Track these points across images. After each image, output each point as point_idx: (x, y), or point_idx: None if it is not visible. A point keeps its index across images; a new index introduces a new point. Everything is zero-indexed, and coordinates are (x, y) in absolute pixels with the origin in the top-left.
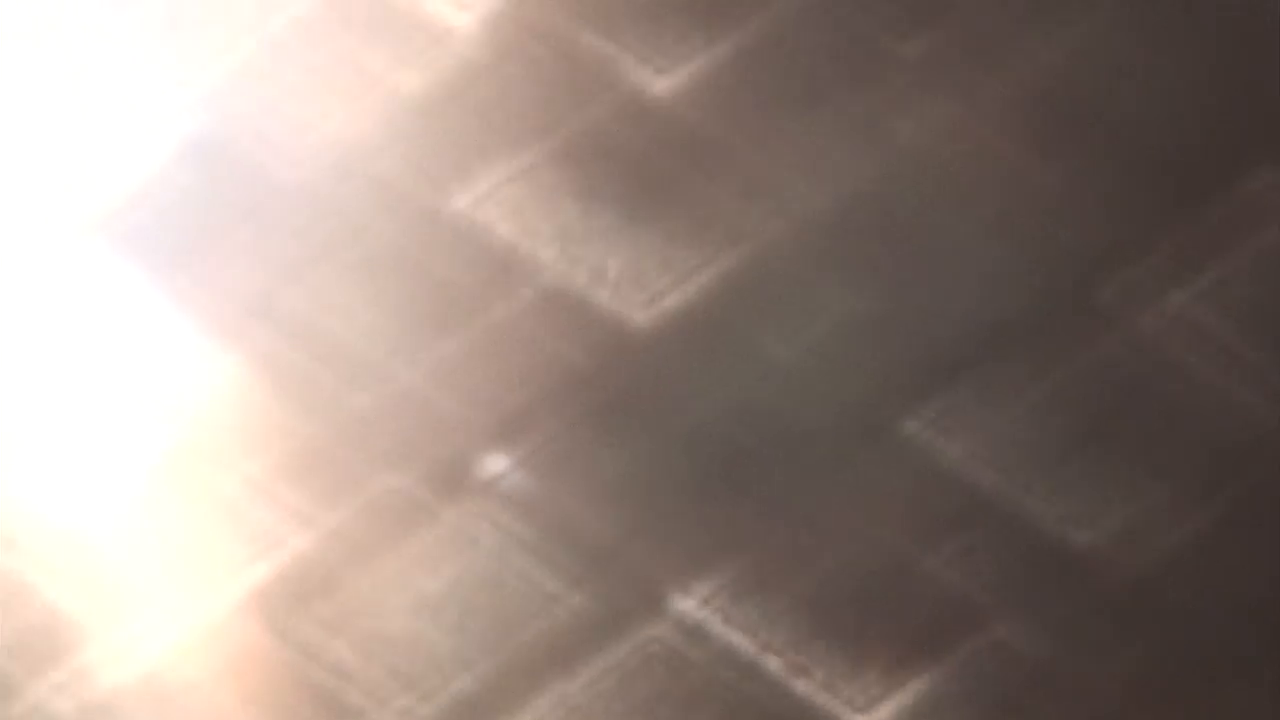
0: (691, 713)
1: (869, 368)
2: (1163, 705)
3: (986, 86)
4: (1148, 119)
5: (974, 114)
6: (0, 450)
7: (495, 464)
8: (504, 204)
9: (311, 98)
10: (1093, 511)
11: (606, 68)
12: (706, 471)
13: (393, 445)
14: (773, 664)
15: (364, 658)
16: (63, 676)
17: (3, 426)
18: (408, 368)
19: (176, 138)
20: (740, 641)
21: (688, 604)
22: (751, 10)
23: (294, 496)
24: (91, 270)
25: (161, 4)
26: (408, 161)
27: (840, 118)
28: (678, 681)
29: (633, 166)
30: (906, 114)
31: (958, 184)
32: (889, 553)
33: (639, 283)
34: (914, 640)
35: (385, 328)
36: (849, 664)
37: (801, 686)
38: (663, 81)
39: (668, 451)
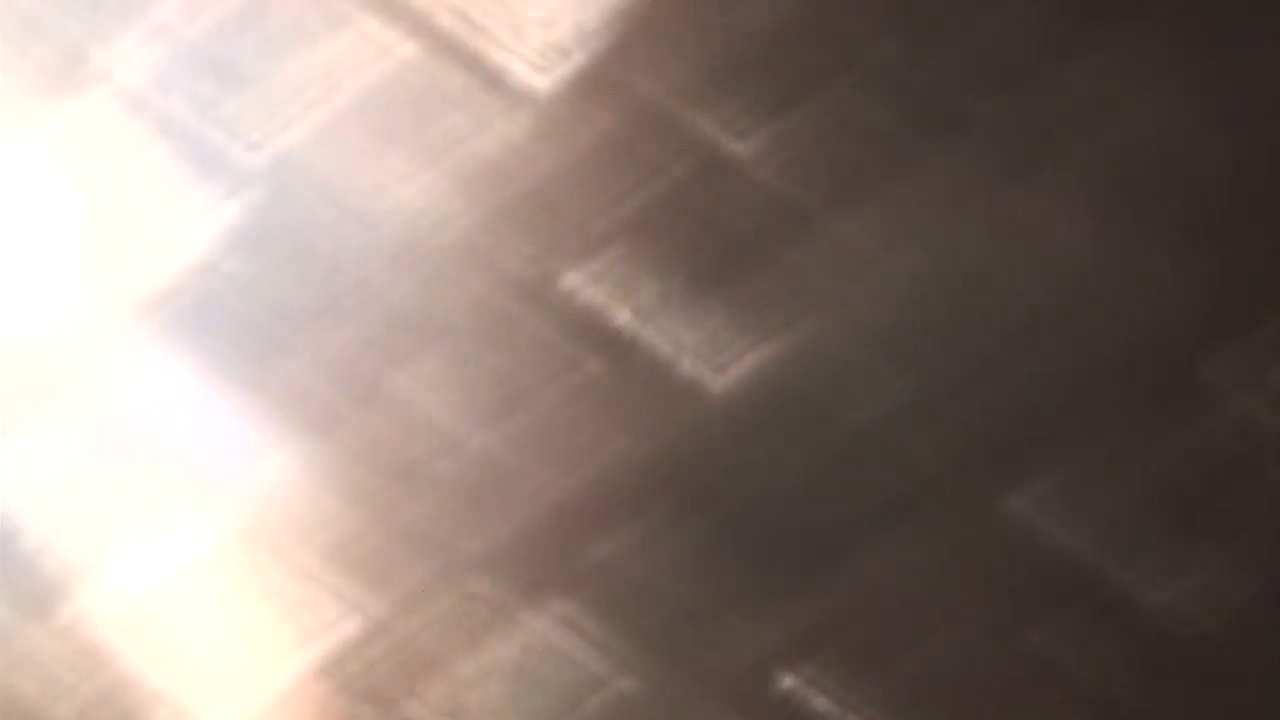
0: None
1: (957, 440)
2: None
3: (1080, 154)
4: (1253, 195)
5: (1068, 182)
6: (69, 527)
7: (582, 546)
8: (581, 269)
9: (386, 164)
10: (1196, 589)
11: (685, 131)
12: (788, 542)
13: (468, 518)
14: None
15: None
16: None
17: (69, 507)
18: (480, 439)
19: (245, 207)
20: None
21: (785, 684)
22: (832, 72)
23: (349, 580)
24: (153, 349)
25: (230, 68)
26: (483, 228)
27: (922, 183)
28: None
29: (711, 230)
30: (993, 180)
31: (1051, 254)
32: (988, 629)
33: (716, 348)
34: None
35: (458, 400)
36: None
37: None
38: (742, 144)
39: (747, 521)
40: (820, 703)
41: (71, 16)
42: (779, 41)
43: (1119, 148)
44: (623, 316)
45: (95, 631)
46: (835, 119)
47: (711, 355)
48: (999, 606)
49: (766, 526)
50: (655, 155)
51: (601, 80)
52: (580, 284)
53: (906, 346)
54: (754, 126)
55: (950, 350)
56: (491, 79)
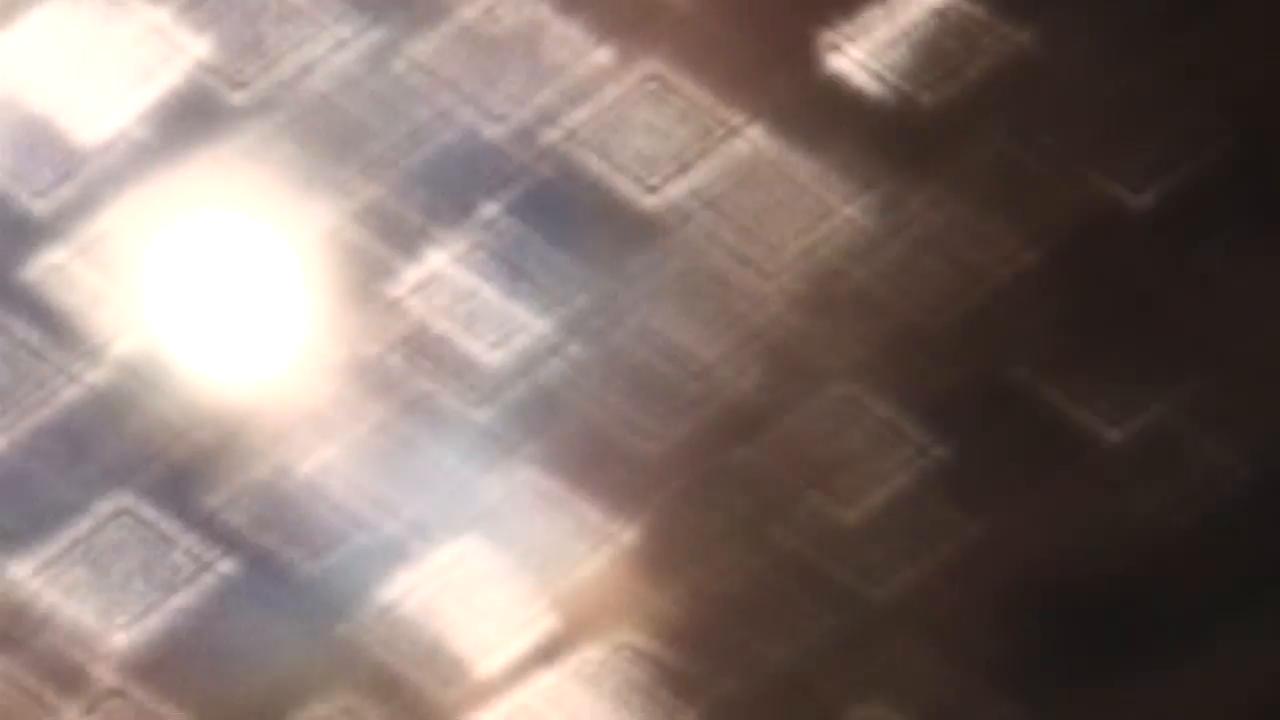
0: None
1: None
2: None
3: None
4: None
5: None
6: (416, 616)
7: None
8: (977, 319)
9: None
10: None
11: (1081, 183)
12: (1153, 612)
13: (814, 604)
14: None
15: None
16: None
17: (410, 600)
18: (828, 518)
19: (557, 315)
20: None
21: None
22: (1226, 124)
23: (690, 663)
24: (474, 446)
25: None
26: (877, 278)
27: None
28: None
29: (1109, 282)
30: None
31: None
32: None
33: (1111, 398)
34: None
35: (805, 473)
36: None
37: None
38: (1138, 198)
39: (1116, 586)
40: None
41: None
42: (1174, 95)
43: None
44: (1020, 372)
45: None
46: (1233, 170)
47: (1106, 405)
48: None
49: (1136, 592)
50: (1051, 208)
51: (997, 134)
52: (975, 330)
53: None
54: (1149, 181)
55: None
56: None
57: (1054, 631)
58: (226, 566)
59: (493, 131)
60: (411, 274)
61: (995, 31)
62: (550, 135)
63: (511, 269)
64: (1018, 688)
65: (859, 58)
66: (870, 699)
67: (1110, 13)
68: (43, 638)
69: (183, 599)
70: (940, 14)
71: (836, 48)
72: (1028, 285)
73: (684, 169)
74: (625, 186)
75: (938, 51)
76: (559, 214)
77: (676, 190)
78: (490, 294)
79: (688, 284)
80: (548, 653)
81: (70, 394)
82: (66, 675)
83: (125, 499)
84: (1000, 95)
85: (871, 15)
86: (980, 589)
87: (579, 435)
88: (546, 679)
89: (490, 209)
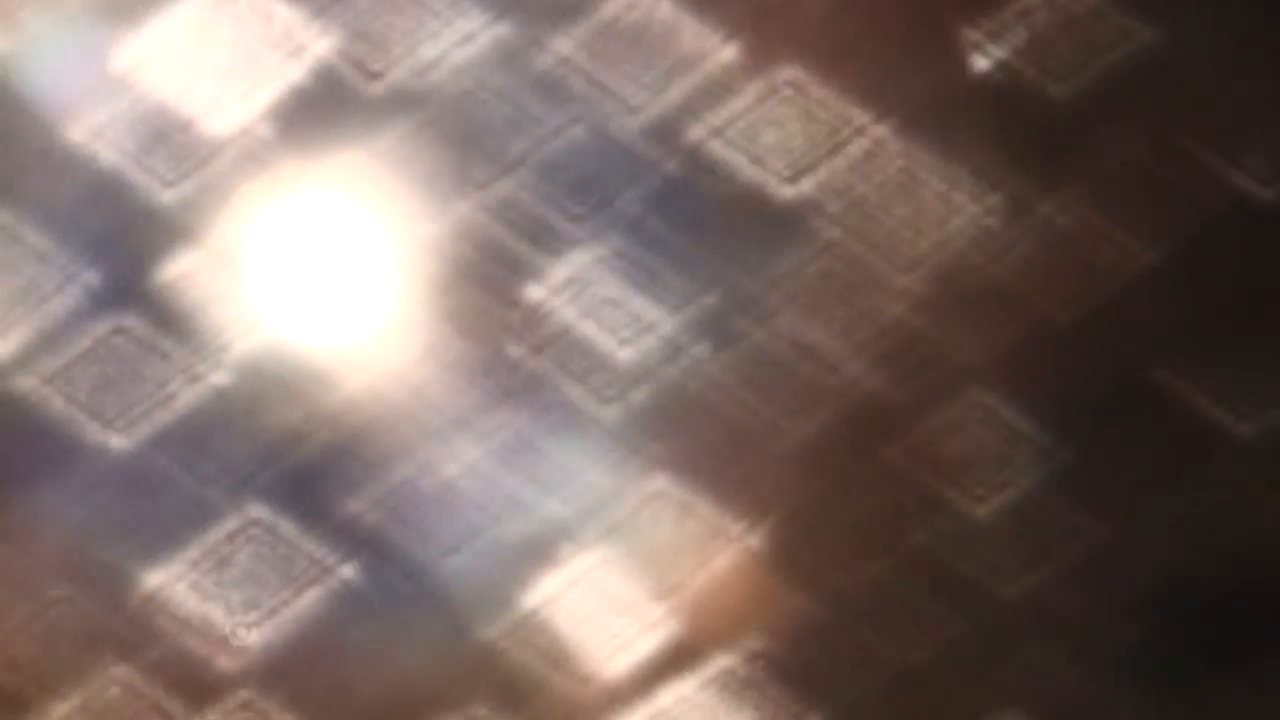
0: None
1: None
2: None
3: None
4: None
5: None
6: (544, 620)
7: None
8: (1106, 316)
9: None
10: None
11: (1209, 177)
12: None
13: (931, 607)
14: None
15: None
16: None
17: (539, 604)
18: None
19: (687, 313)
20: None
21: None
22: None
23: (808, 668)
24: (604, 447)
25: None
26: (1011, 272)
27: None
28: None
29: (1239, 274)
30: None
31: None
32: None
33: (1243, 394)
34: None
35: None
36: None
37: None
38: (1267, 192)
39: (1260, 561)
40: None
41: None
42: None
43: None
44: (1148, 370)
45: None
46: None
47: (1239, 400)
48: None
49: (1268, 590)
50: (1178, 203)
51: (1125, 130)
52: (1103, 331)
53: None
54: (1278, 174)
55: None
56: None
57: (1186, 631)
58: (352, 570)
59: (627, 127)
60: (547, 272)
61: (1123, 29)
62: (685, 131)
63: (645, 266)
64: (1148, 688)
65: (996, 56)
66: (1002, 701)
67: (1238, 7)
68: (168, 645)
69: (308, 603)
70: (1069, 12)
71: (975, 46)
72: (1156, 282)
73: (814, 165)
74: (758, 183)
75: (1067, 49)
76: (692, 210)
77: (808, 186)
78: (623, 291)
79: (819, 281)
80: (677, 657)
81: (194, 395)
82: (190, 684)
83: (252, 502)
84: (1129, 92)
85: (1003, 15)
86: (1110, 588)
87: (711, 434)
88: (676, 684)
89: (627, 205)
